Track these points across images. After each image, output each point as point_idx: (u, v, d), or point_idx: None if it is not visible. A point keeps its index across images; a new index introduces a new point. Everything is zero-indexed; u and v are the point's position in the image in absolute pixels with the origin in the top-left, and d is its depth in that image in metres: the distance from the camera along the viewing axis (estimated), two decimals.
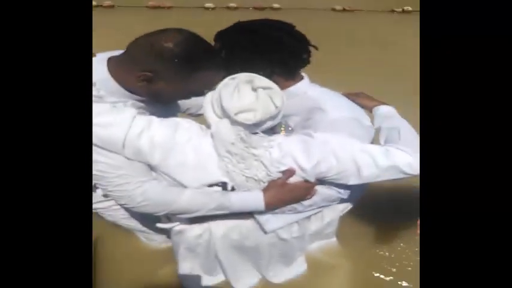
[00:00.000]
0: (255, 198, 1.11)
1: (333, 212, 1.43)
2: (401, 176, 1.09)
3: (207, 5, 4.17)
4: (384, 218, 1.83)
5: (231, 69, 1.12)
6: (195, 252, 1.32)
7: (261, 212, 1.16)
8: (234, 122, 1.02)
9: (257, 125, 1.04)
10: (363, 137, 1.17)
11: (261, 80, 1.04)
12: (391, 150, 1.09)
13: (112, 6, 4.06)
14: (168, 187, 1.10)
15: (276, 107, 1.02)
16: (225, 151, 1.04)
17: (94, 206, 1.36)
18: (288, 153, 1.08)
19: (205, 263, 1.37)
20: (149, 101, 1.15)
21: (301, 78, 1.27)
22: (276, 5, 4.22)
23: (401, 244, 1.75)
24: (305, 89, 1.25)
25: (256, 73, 1.09)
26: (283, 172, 1.09)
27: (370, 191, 1.46)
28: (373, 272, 1.65)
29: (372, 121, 1.26)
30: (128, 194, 1.06)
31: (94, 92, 1.00)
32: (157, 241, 1.61)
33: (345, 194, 1.22)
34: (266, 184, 1.11)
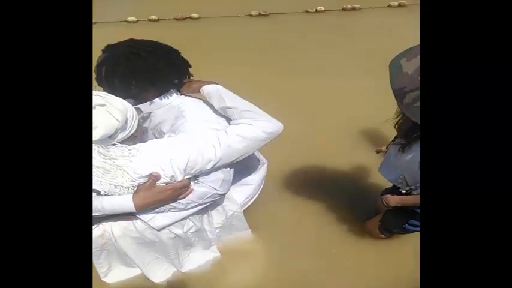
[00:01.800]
0: (125, 202, 1.20)
1: (234, 205, 1.62)
2: (254, 145, 1.28)
3: (130, 18, 4.28)
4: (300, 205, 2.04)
5: (109, 82, 1.27)
6: (106, 249, 1.42)
7: (144, 212, 1.27)
8: None
9: (110, 137, 1.12)
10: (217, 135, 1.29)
11: (97, 98, 1.10)
12: (232, 127, 1.26)
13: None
14: None
15: (118, 120, 1.10)
16: None
17: None
18: (148, 159, 1.18)
19: (119, 257, 1.48)
20: None
21: (166, 90, 1.39)
22: (194, 15, 4.34)
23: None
24: (171, 99, 1.38)
25: (127, 88, 1.26)
26: (148, 176, 1.18)
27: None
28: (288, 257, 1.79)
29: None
30: None
31: None
32: None
33: (221, 189, 1.34)
34: (135, 188, 1.20)
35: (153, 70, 1.28)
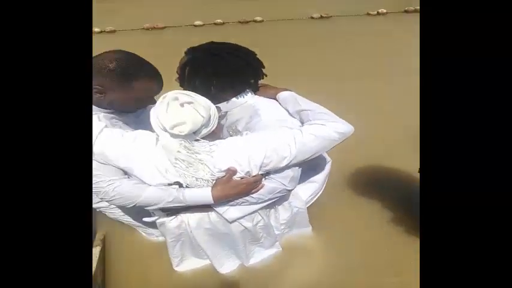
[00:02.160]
0: (204, 194, 1.30)
1: (299, 202, 1.67)
2: (326, 144, 1.33)
3: (197, 22, 4.49)
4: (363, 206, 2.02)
5: (191, 83, 1.39)
6: (181, 240, 1.56)
7: (219, 204, 1.36)
8: (173, 135, 1.20)
9: (195, 133, 1.21)
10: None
11: (185, 96, 1.19)
12: (306, 127, 1.32)
13: (113, 31, 4.50)
14: (135, 184, 1.29)
15: (203, 117, 1.18)
16: (174, 158, 1.23)
17: (96, 205, 1.62)
18: (227, 154, 1.27)
19: (192, 249, 1.61)
20: (117, 112, 1.40)
21: (243, 90, 1.49)
22: (258, 18, 4.50)
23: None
24: (246, 99, 1.47)
25: (207, 88, 1.36)
26: (226, 171, 1.27)
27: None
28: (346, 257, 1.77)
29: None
30: (103, 191, 1.27)
31: None
32: (154, 235, 1.84)
33: (289, 185, 1.40)
34: (214, 182, 1.30)
35: (233, 71, 1.39)
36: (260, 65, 1.48)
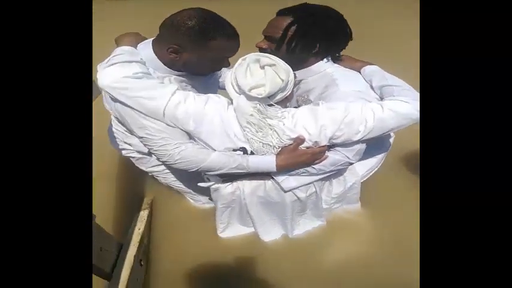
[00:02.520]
0: (268, 161, 1.31)
1: (354, 176, 1.66)
2: (404, 122, 1.26)
3: None
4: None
5: (292, 45, 1.32)
6: (231, 207, 1.60)
7: (279, 173, 1.37)
8: (249, 97, 1.19)
9: (270, 97, 1.20)
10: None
11: (266, 58, 1.17)
12: (387, 102, 1.26)
13: None
14: (200, 149, 1.30)
15: (282, 80, 1.17)
16: (246, 122, 1.23)
17: (150, 169, 1.67)
18: (298, 123, 1.25)
19: (240, 216, 1.66)
20: (188, 75, 1.38)
21: (323, 57, 1.42)
22: None
23: None
24: (326, 66, 1.41)
25: (304, 51, 1.33)
26: (294, 139, 1.26)
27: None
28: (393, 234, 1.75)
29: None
30: (168, 153, 1.29)
31: (144, 70, 1.24)
32: (201, 201, 1.91)
33: (353, 159, 1.37)
34: (279, 149, 1.30)
35: (332, 34, 1.34)
36: (350, 31, 1.39)
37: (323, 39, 1.33)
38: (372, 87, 1.38)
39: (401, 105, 1.24)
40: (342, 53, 1.48)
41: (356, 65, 1.44)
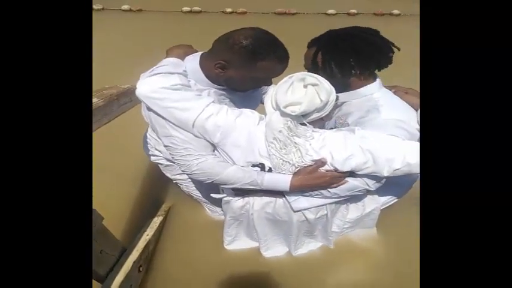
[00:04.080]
0: (283, 181, 1.31)
1: (375, 203, 1.61)
2: None
3: (227, 9, 4.87)
4: None
5: (328, 67, 1.32)
6: (239, 220, 1.63)
7: (292, 193, 1.36)
8: (283, 114, 1.20)
9: (304, 116, 1.20)
10: (404, 138, 1.24)
11: (311, 78, 1.17)
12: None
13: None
14: (218, 162, 1.32)
15: (321, 100, 1.16)
16: (273, 138, 1.23)
17: (174, 177, 1.76)
18: (325, 145, 1.24)
19: (247, 230, 1.68)
20: (228, 90, 1.40)
21: (374, 80, 1.39)
22: (293, 10, 4.77)
23: None
24: (374, 90, 1.37)
25: (341, 71, 1.31)
26: (316, 161, 1.25)
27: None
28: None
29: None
30: (187, 163, 1.32)
31: (184, 81, 1.27)
32: (218, 212, 1.94)
33: (373, 186, 1.33)
34: (297, 168, 1.29)
35: (365, 49, 1.30)
36: (384, 42, 1.35)
37: (353, 56, 1.30)
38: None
39: None
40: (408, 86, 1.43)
41: (414, 101, 1.36)
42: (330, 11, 4.67)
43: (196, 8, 4.83)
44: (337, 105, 1.36)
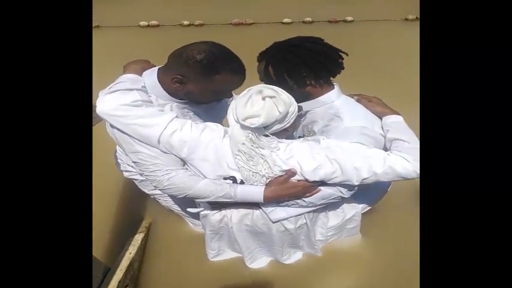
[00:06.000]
0: (256, 192, 1.31)
1: (354, 209, 1.63)
2: (399, 179, 1.26)
3: (184, 22, 4.88)
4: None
5: (281, 78, 1.34)
6: (219, 234, 1.62)
7: (267, 204, 1.37)
8: (243, 126, 1.21)
9: (265, 128, 1.21)
10: (370, 144, 1.28)
11: (269, 90, 1.19)
12: (391, 157, 1.25)
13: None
14: (190, 176, 1.32)
15: (280, 112, 1.18)
16: (237, 150, 1.24)
17: (151, 192, 1.73)
18: (293, 156, 1.25)
19: (229, 243, 1.68)
20: (190, 103, 1.41)
21: (332, 88, 1.41)
22: (249, 20, 4.82)
23: None
24: (334, 98, 1.39)
25: (296, 82, 1.33)
26: (286, 171, 1.26)
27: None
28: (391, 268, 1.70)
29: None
30: (158, 179, 1.31)
31: (144, 97, 1.26)
32: (200, 226, 1.87)
33: (347, 194, 1.34)
34: (269, 180, 1.29)
35: (320, 53, 1.33)
36: (332, 46, 1.37)
37: (303, 67, 1.32)
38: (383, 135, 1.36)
39: (401, 164, 1.23)
40: (374, 95, 1.47)
41: (377, 109, 1.41)
42: (286, 20, 4.74)
43: (154, 22, 4.80)
44: (301, 115, 1.40)
